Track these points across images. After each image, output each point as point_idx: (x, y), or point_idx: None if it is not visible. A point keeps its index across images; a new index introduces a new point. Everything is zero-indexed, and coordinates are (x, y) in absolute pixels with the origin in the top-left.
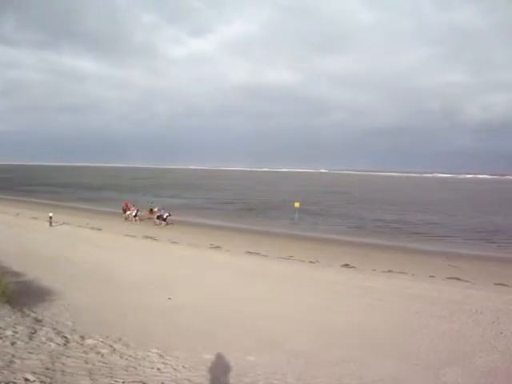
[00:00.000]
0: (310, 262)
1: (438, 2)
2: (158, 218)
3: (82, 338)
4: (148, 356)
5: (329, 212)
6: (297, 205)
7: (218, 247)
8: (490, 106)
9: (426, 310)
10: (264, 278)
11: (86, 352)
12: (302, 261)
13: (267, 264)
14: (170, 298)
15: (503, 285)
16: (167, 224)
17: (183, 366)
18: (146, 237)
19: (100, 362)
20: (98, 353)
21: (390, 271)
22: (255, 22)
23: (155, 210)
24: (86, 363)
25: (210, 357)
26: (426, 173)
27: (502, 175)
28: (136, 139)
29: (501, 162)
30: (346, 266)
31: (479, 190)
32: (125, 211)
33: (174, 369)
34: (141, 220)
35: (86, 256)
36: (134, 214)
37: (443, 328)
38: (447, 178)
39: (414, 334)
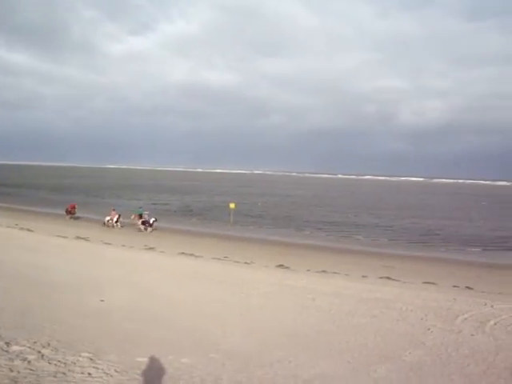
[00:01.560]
0: (245, 262)
1: (377, 10)
2: (144, 223)
3: (7, 344)
4: (78, 361)
5: (264, 213)
6: (232, 206)
7: (152, 248)
8: (424, 112)
9: (358, 309)
10: (198, 278)
11: (11, 359)
12: (237, 262)
13: (202, 265)
14: (102, 300)
15: (432, 283)
16: (153, 230)
17: (115, 370)
18: (79, 238)
19: (26, 369)
20: (25, 359)
21: (323, 271)
22: (197, 22)
23: (145, 214)
24: (11, 371)
25: (143, 360)
26: (361, 175)
27: (432, 178)
28: (74, 137)
29: (432, 165)
30: (281, 266)
31: (413, 192)
32: (69, 212)
33: (106, 373)
34: (122, 226)
35: (12, 257)
36: (115, 219)
37: (374, 326)
38: (381, 180)
39: (346, 332)
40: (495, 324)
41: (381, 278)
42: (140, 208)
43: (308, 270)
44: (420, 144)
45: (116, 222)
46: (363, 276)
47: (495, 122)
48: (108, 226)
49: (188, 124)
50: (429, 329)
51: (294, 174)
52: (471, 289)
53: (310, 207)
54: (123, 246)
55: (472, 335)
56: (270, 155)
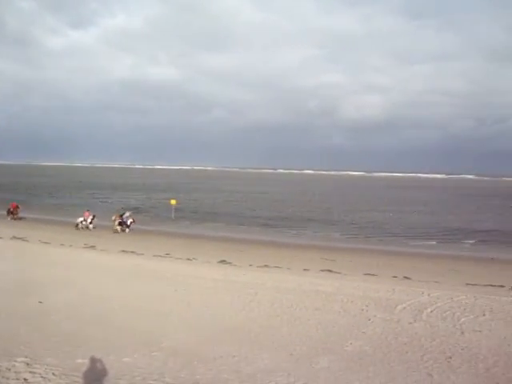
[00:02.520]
0: (187, 259)
1: (320, 6)
2: (120, 224)
3: None
4: (14, 366)
5: (206, 209)
6: (173, 202)
7: (93, 247)
8: (365, 107)
9: (300, 302)
10: (140, 276)
11: None
12: (179, 258)
13: (143, 262)
14: (40, 302)
15: (372, 274)
16: (130, 231)
17: (53, 374)
18: (15, 237)
19: None
20: None
21: (266, 266)
22: (140, 16)
23: (126, 215)
24: None
25: (83, 361)
26: (301, 169)
27: (372, 172)
28: (9, 134)
29: (372, 159)
30: (223, 262)
31: (356, 186)
32: (11, 213)
33: (43, 377)
34: (94, 227)
35: None
36: (89, 220)
37: (317, 318)
38: (322, 174)
39: (289, 325)
40: (431, 311)
41: (322, 270)
42: (122, 208)
43: (250, 265)
44: (360, 138)
45: (90, 223)
46: (305, 269)
47: (433, 117)
48: (80, 228)
49: (130, 120)
50: (369, 319)
51: (236, 169)
52: (409, 278)
53: (258, 203)
54: (62, 245)
55: (410, 323)
56: (211, 151)
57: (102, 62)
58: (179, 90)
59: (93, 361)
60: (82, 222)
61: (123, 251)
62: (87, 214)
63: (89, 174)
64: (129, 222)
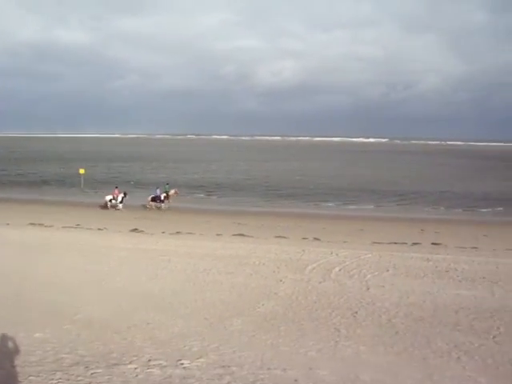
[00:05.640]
0: (98, 229)
1: None
2: (154, 200)
3: None
4: None
5: (115, 178)
6: (81, 171)
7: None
8: (280, 72)
9: (213, 266)
10: (50, 248)
11: None
12: (90, 228)
13: (52, 235)
14: None
15: (283, 237)
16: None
17: None
18: None
19: None
20: None
21: (178, 233)
22: None
23: (171, 192)
24: None
25: None
26: (216, 135)
27: (288, 136)
28: None
29: (288, 123)
30: (135, 230)
31: (269, 150)
32: None
33: None
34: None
35: None
36: (119, 199)
37: (230, 282)
38: (233, 140)
39: (202, 290)
40: (340, 270)
41: (234, 235)
42: (167, 185)
43: (163, 233)
44: (276, 103)
45: (121, 202)
46: (217, 234)
47: (347, 83)
48: (109, 208)
49: (38, 86)
50: (281, 280)
51: (144, 136)
52: (319, 240)
53: (172, 170)
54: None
55: (320, 282)
56: (121, 118)
57: (6, 23)
58: (92, 55)
59: (1, 338)
60: (111, 199)
61: (31, 224)
62: (117, 191)
63: None
64: (162, 197)
